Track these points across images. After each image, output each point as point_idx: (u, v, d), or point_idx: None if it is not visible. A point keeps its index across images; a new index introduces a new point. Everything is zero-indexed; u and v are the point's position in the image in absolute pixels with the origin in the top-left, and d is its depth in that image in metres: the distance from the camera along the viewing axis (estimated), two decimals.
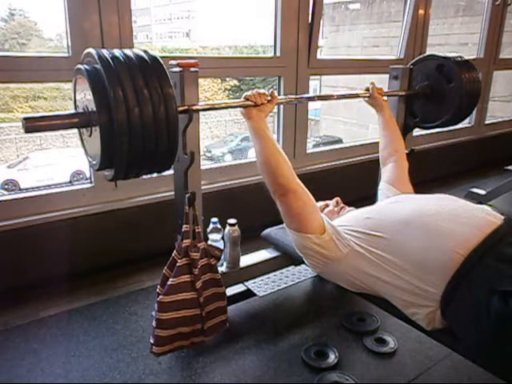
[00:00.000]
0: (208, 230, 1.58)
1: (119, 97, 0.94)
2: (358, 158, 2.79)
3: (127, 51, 1.03)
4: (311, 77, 2.52)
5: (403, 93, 1.91)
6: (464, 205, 1.26)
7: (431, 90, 1.92)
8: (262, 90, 1.37)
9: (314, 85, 9.19)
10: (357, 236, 1.25)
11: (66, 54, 1.78)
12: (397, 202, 1.38)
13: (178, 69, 1.24)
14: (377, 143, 1.80)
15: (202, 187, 1.38)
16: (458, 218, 1.16)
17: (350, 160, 2.76)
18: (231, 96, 10.79)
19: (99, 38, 1.79)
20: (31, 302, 1.71)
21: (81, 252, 1.88)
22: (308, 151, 2.65)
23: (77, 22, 1.74)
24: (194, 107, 1.24)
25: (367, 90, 1.75)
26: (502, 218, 1.17)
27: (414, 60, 2.00)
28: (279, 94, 2.47)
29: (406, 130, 1.99)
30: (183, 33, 13.26)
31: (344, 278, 1.27)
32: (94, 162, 1.08)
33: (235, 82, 10.57)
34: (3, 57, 1.71)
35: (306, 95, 1.57)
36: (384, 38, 7.75)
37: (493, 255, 1.04)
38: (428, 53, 1.99)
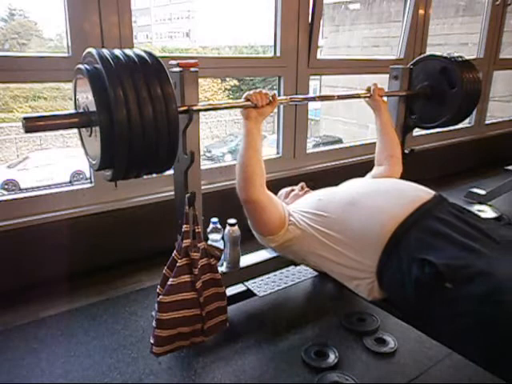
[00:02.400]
0: (208, 230, 1.58)
1: (120, 97, 0.94)
2: (358, 158, 2.79)
3: (128, 51, 1.03)
4: (311, 77, 2.52)
5: (404, 93, 1.91)
6: (400, 184, 1.42)
7: (432, 90, 1.91)
8: (264, 91, 1.36)
9: (314, 85, 9.18)
10: (308, 216, 1.38)
11: (66, 54, 1.78)
12: (346, 185, 1.52)
13: (177, 69, 1.24)
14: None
15: (202, 187, 1.38)
16: (392, 195, 1.30)
17: (350, 160, 2.76)
18: (231, 96, 10.78)
19: (99, 38, 1.79)
20: (31, 302, 1.71)
21: (81, 252, 1.88)
22: (308, 151, 2.64)
23: (77, 22, 1.74)
24: (194, 107, 1.24)
25: (368, 90, 1.76)
26: (433, 194, 1.30)
27: (414, 60, 1.99)
28: (279, 94, 2.47)
29: (405, 130, 1.99)
30: (183, 33, 13.26)
31: (300, 257, 1.44)
32: (94, 162, 1.08)
33: (235, 81, 10.56)
34: (3, 57, 1.71)
35: (306, 95, 1.57)
36: (384, 38, 7.74)
37: (417, 227, 1.16)
38: (429, 52, 1.99)
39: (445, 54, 1.90)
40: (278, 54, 2.36)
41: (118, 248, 1.98)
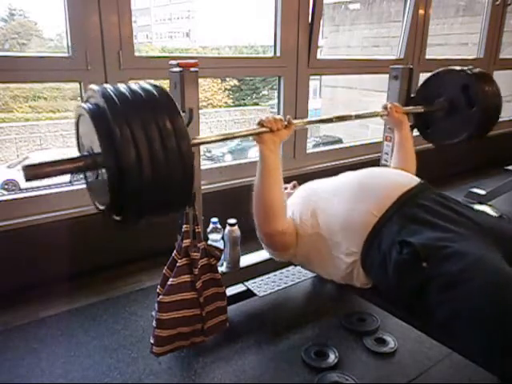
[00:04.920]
0: (208, 230, 1.58)
1: (127, 137, 0.85)
2: (358, 158, 2.79)
3: (133, 86, 0.95)
4: (311, 77, 2.52)
5: (421, 110, 1.85)
6: (384, 172, 1.45)
7: (450, 105, 1.84)
8: (278, 116, 1.31)
9: (314, 85, 9.19)
10: (298, 209, 1.35)
11: (66, 54, 1.78)
12: (334, 178, 1.50)
13: (177, 69, 1.24)
14: (377, 143, 1.80)
15: (202, 187, 1.38)
16: (376, 184, 1.30)
17: (350, 160, 2.76)
18: (231, 96, 10.78)
19: (99, 38, 1.79)
20: (31, 302, 1.71)
21: (81, 252, 1.88)
22: (308, 151, 2.65)
23: (77, 21, 1.74)
24: (204, 140, 1.20)
25: (385, 108, 1.70)
26: (418, 181, 1.32)
27: (430, 74, 1.92)
28: (279, 94, 2.47)
29: None
30: (183, 33, 13.25)
31: (305, 255, 1.37)
32: (102, 208, 0.99)
33: (235, 81, 10.56)
34: (3, 57, 1.71)
35: (323, 117, 1.48)
36: (384, 38, 7.73)
37: (400, 214, 1.18)
38: (448, 67, 1.90)
39: (461, 68, 1.83)
40: (278, 54, 2.37)
41: (118, 248, 1.97)
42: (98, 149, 0.89)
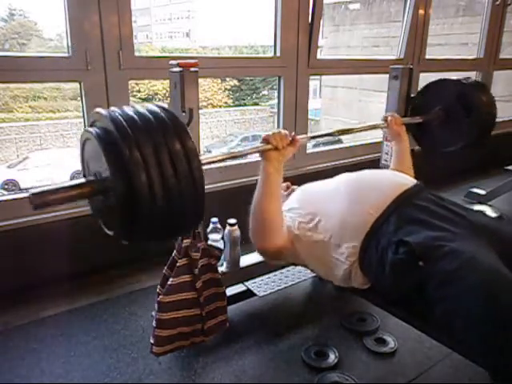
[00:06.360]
0: (208, 230, 1.58)
1: (136, 159, 0.83)
2: (358, 158, 2.79)
3: (139, 108, 0.93)
4: (311, 77, 2.52)
5: (420, 120, 1.85)
6: (380, 174, 1.46)
7: (446, 114, 1.86)
8: (283, 131, 1.29)
9: (314, 85, 9.19)
10: (293, 215, 1.33)
11: (66, 54, 1.78)
12: (333, 179, 1.47)
13: (177, 69, 1.24)
14: (377, 143, 1.80)
15: None
16: (374, 185, 1.30)
17: (350, 160, 2.76)
18: (231, 96, 10.79)
19: (99, 37, 1.79)
20: (31, 302, 1.71)
21: (81, 252, 1.88)
22: (308, 151, 2.64)
23: (77, 22, 1.74)
24: (211, 159, 1.17)
25: (385, 120, 1.69)
26: (415, 182, 1.33)
27: (425, 84, 1.94)
28: (279, 94, 2.47)
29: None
30: (183, 33, 13.26)
31: (302, 258, 1.35)
32: (112, 233, 0.97)
33: (235, 81, 10.57)
34: (3, 57, 1.71)
35: (326, 131, 1.47)
36: (384, 38, 7.73)
37: (397, 214, 1.18)
38: (440, 77, 1.93)
39: (457, 78, 1.85)
40: (278, 54, 2.36)
41: (118, 248, 1.97)
42: (105, 173, 0.87)
